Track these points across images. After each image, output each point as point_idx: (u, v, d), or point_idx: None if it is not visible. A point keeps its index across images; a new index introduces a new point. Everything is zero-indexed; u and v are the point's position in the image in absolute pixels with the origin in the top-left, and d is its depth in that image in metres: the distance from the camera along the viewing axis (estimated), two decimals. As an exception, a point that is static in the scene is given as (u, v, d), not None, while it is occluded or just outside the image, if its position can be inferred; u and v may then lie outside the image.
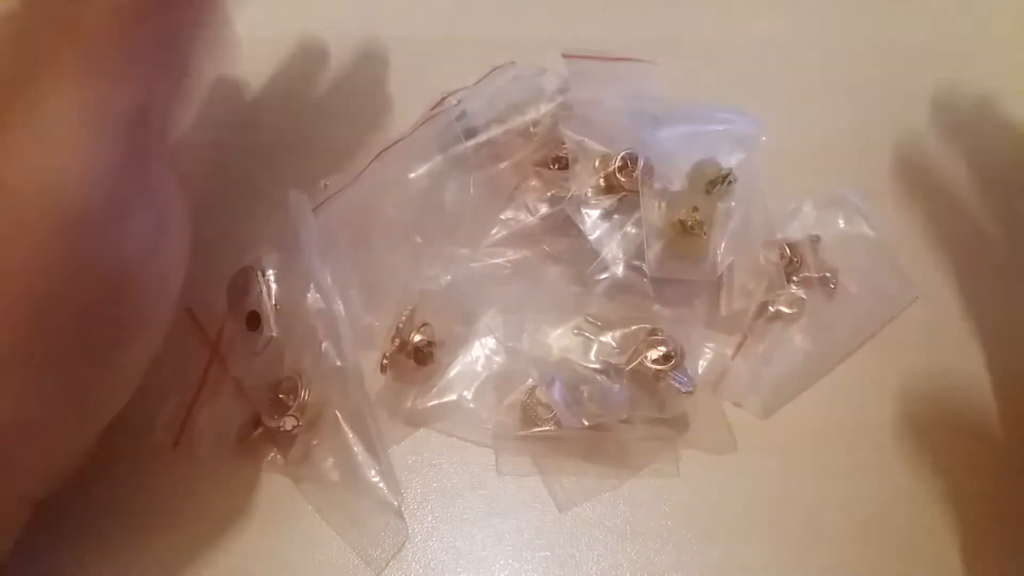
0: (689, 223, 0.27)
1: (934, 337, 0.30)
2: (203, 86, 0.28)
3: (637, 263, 0.28)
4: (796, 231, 0.31)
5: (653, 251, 0.28)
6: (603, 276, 0.28)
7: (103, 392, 0.22)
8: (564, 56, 0.30)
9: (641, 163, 0.28)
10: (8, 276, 0.18)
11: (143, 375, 0.23)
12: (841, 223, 0.31)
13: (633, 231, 0.28)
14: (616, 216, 0.28)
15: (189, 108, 0.25)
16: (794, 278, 0.29)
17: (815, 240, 0.30)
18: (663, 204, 0.28)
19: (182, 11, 0.22)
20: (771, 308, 0.29)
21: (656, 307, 0.28)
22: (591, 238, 0.28)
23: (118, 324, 0.21)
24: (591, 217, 0.28)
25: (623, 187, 0.28)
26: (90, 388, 0.21)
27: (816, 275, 0.30)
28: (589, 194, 0.28)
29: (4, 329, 0.18)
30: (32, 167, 0.18)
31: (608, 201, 0.28)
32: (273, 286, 0.29)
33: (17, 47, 0.20)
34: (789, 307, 0.29)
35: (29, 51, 0.19)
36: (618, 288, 0.28)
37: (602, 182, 0.28)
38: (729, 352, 0.29)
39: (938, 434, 0.28)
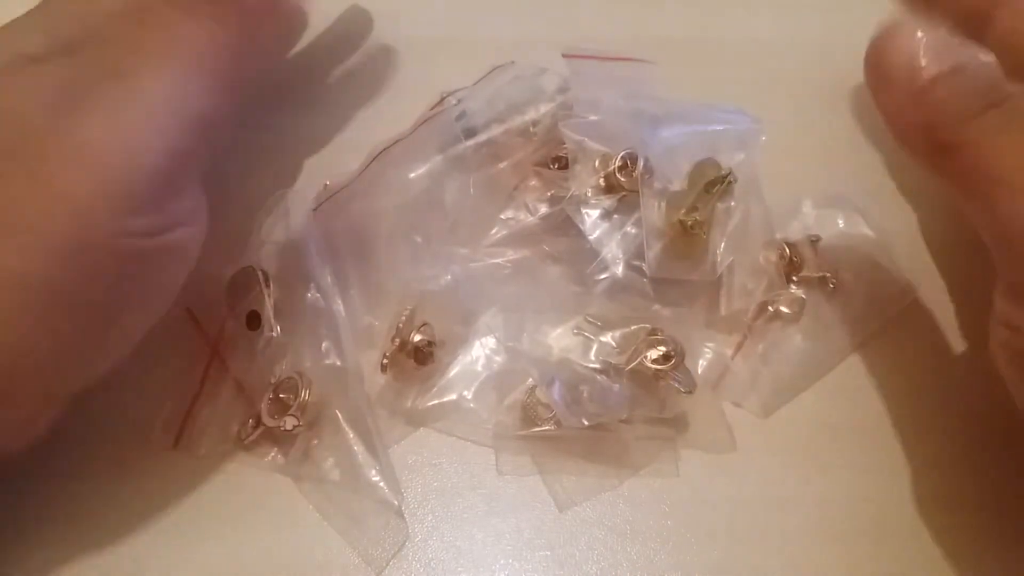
0: (689, 223, 0.27)
1: (933, 337, 0.30)
2: None
3: (637, 263, 0.28)
4: (795, 231, 0.31)
5: (653, 251, 0.28)
6: (603, 276, 0.28)
7: (93, 356, 0.24)
8: (564, 56, 0.30)
9: (641, 163, 0.28)
10: (78, 215, 0.21)
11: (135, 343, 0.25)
12: (840, 223, 0.31)
13: (633, 231, 0.28)
14: (616, 216, 0.28)
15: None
16: (793, 278, 0.29)
17: (815, 240, 0.30)
18: (663, 204, 0.28)
19: None
20: (771, 308, 0.29)
21: (656, 307, 0.28)
22: (591, 238, 0.28)
23: (130, 290, 0.23)
24: (591, 217, 0.28)
25: (623, 187, 0.28)
26: (84, 346, 0.23)
27: (816, 275, 0.30)
28: (589, 194, 0.28)
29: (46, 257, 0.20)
30: (121, 133, 0.22)
31: (608, 201, 0.28)
32: (273, 286, 0.29)
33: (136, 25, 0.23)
34: (789, 307, 0.29)
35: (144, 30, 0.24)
36: (618, 288, 0.28)
37: (602, 182, 0.28)
38: (729, 352, 0.29)
39: (938, 434, 0.28)
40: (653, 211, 0.28)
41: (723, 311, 0.29)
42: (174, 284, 0.25)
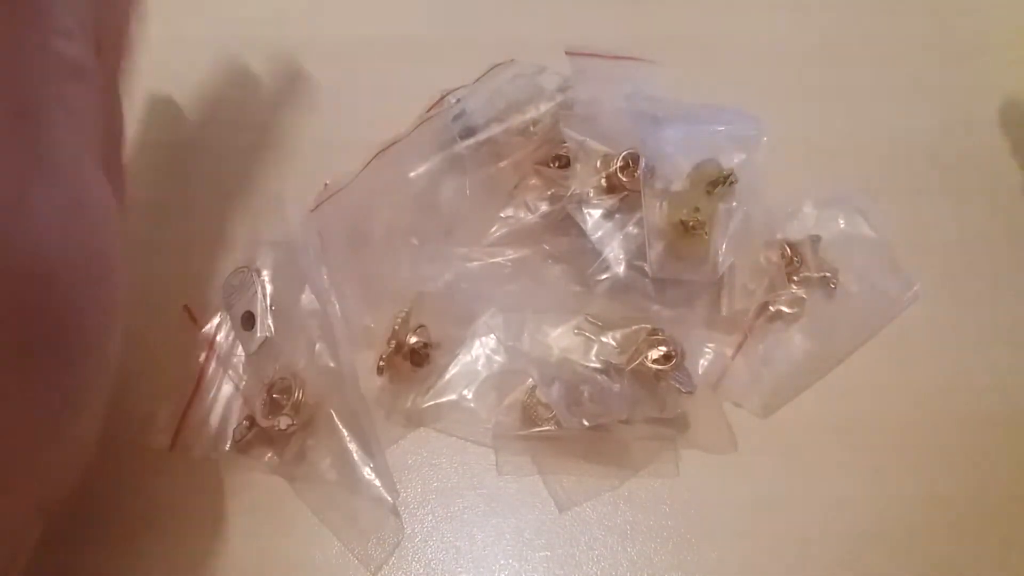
0: (691, 223, 0.27)
1: (934, 336, 0.30)
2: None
3: (639, 263, 0.28)
4: (796, 231, 0.31)
5: (655, 251, 0.28)
6: (605, 276, 0.28)
7: (66, 391, 0.19)
8: (567, 53, 0.29)
9: (643, 163, 0.28)
10: None
11: (114, 363, 0.21)
12: (841, 223, 0.31)
13: (635, 231, 0.28)
14: (618, 216, 0.28)
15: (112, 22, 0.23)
16: (794, 278, 0.29)
17: (815, 240, 0.30)
18: (664, 204, 0.28)
19: None
20: (771, 308, 0.29)
21: (656, 307, 0.28)
22: (593, 238, 0.28)
23: (51, 313, 0.18)
24: (593, 217, 0.28)
25: (625, 187, 0.28)
26: (46, 391, 0.19)
27: (816, 275, 0.30)
28: (591, 194, 0.28)
29: None
30: None
31: (610, 201, 0.28)
32: (268, 286, 0.29)
33: None
34: (789, 307, 0.29)
35: None
36: (620, 288, 0.28)
37: (603, 182, 0.28)
38: (729, 352, 0.29)
39: (938, 433, 0.28)
40: (655, 211, 0.28)
41: (725, 311, 0.28)
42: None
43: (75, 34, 0.21)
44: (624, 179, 0.28)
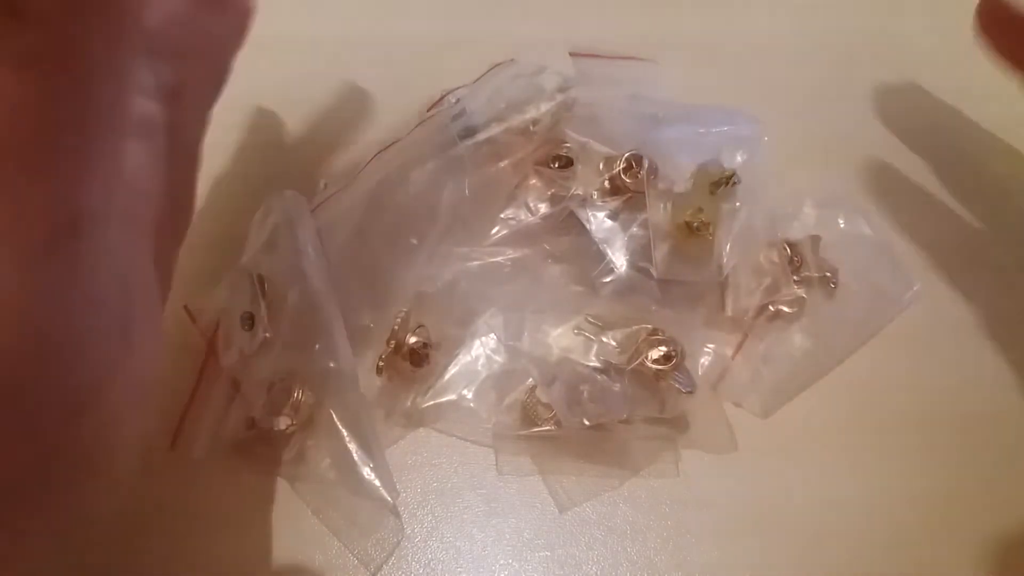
0: (695, 224, 0.27)
1: (934, 336, 0.30)
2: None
3: (644, 265, 0.28)
4: (797, 231, 0.31)
5: (660, 253, 0.28)
6: (610, 278, 0.28)
7: (33, 525, 0.17)
8: (571, 54, 0.30)
9: (646, 164, 0.28)
10: None
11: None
12: (841, 223, 0.31)
13: (639, 232, 0.28)
14: (622, 218, 0.28)
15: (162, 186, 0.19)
16: (794, 278, 0.29)
17: (816, 240, 0.30)
18: (668, 206, 0.28)
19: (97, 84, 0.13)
20: (771, 308, 0.29)
21: (656, 307, 0.28)
22: (598, 240, 0.28)
23: (68, 468, 0.17)
24: (597, 219, 0.28)
25: (628, 188, 0.28)
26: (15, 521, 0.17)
27: (816, 275, 0.30)
28: (595, 196, 0.28)
29: None
30: None
31: (614, 203, 0.28)
32: (268, 286, 0.29)
33: None
34: (789, 307, 0.29)
35: None
36: (625, 290, 0.28)
37: (607, 184, 0.28)
38: (729, 352, 0.29)
39: (938, 433, 0.28)
40: (659, 213, 0.28)
41: (729, 311, 0.29)
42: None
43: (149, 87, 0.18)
44: (627, 180, 0.28)
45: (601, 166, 0.29)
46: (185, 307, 0.29)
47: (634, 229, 0.28)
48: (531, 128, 0.30)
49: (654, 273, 0.28)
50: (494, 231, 0.30)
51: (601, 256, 0.28)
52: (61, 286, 0.15)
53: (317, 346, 0.28)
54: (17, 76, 0.12)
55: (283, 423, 0.26)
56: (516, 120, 0.30)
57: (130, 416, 0.18)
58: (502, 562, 0.25)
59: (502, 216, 0.30)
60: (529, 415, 0.27)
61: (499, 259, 0.29)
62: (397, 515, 0.26)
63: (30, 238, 0.13)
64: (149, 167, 0.18)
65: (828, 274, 0.30)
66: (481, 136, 0.30)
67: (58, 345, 0.15)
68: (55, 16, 0.12)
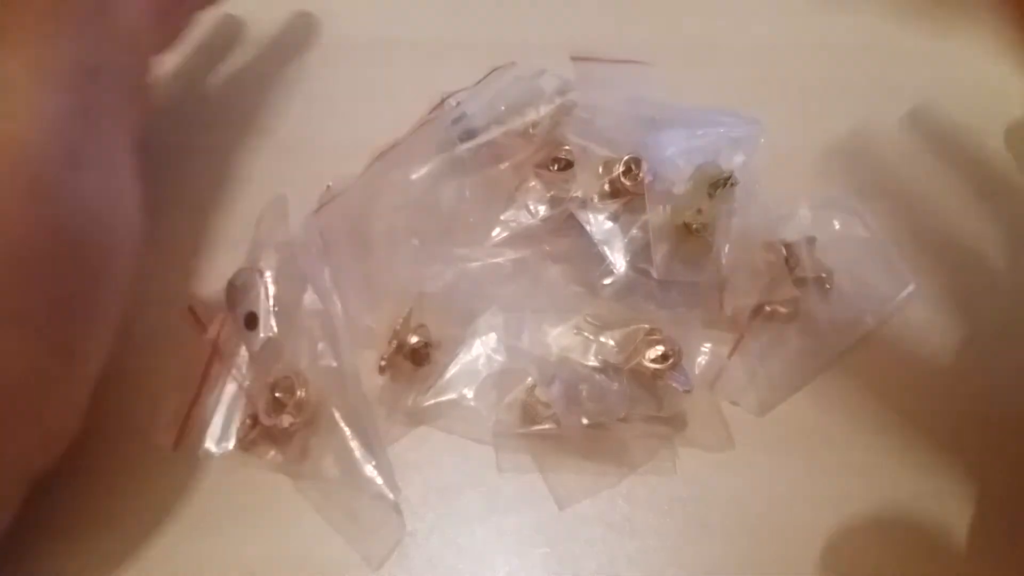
0: (694, 226, 0.28)
1: (929, 336, 0.30)
2: (166, 52, 0.30)
3: (643, 266, 0.28)
4: (792, 232, 0.31)
5: (660, 254, 0.28)
6: (610, 280, 0.28)
7: (79, 341, 0.22)
8: (573, 59, 0.30)
9: (645, 167, 0.28)
10: None
11: (115, 331, 0.24)
12: (837, 224, 0.32)
13: (639, 235, 0.28)
14: (621, 220, 0.29)
15: (151, 70, 0.27)
16: (790, 278, 0.30)
17: (811, 241, 0.30)
18: (667, 207, 0.28)
19: None
20: (767, 308, 0.29)
21: (654, 307, 0.29)
22: (598, 242, 0.28)
23: (84, 275, 0.22)
24: (597, 220, 0.29)
25: (628, 191, 0.28)
26: (72, 342, 0.22)
27: (812, 275, 0.30)
28: (595, 199, 0.29)
29: None
30: None
31: (614, 205, 0.29)
32: (271, 286, 0.29)
33: None
34: (785, 307, 0.29)
35: None
36: (625, 291, 0.28)
37: (606, 186, 0.29)
38: (726, 351, 0.29)
39: (934, 432, 0.28)
40: (658, 215, 0.28)
41: (727, 312, 0.29)
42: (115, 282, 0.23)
43: (133, 62, 0.25)
44: (627, 183, 0.28)
45: (601, 169, 0.29)
46: (189, 307, 0.29)
47: (634, 231, 0.28)
48: (531, 131, 0.31)
49: (654, 274, 0.28)
50: (495, 233, 0.30)
51: (600, 257, 0.29)
52: (86, 119, 0.21)
53: (319, 345, 0.28)
54: None
55: (286, 421, 0.26)
56: (516, 123, 0.30)
57: (119, 249, 0.23)
58: (502, 558, 0.25)
59: (502, 218, 0.30)
60: (529, 414, 0.27)
61: (499, 260, 0.30)
62: (399, 512, 0.26)
63: (66, 69, 0.21)
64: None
65: (823, 275, 0.30)
66: (481, 139, 0.30)
67: (70, 164, 0.21)
68: None
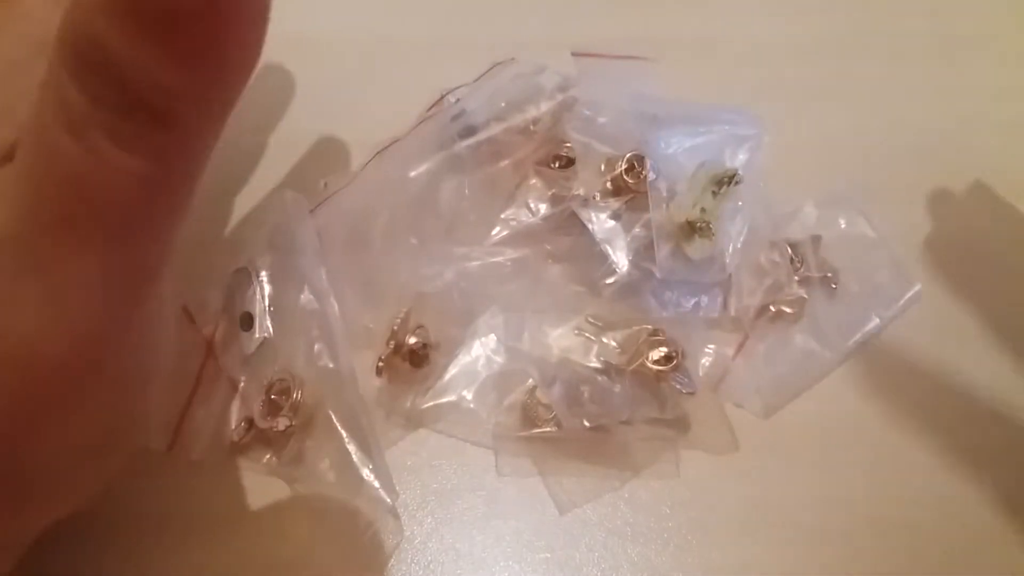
0: (698, 224, 0.27)
1: (935, 337, 0.30)
2: None
3: (646, 265, 0.28)
4: (797, 231, 0.31)
5: (663, 253, 0.28)
6: (613, 279, 0.28)
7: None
8: (573, 55, 0.29)
9: (648, 165, 0.28)
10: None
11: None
12: (842, 223, 0.31)
13: (641, 233, 0.28)
14: (623, 218, 0.28)
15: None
16: (795, 278, 0.29)
17: (816, 240, 0.30)
18: (670, 205, 0.28)
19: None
20: (772, 308, 0.29)
21: (657, 307, 0.28)
22: (600, 241, 0.28)
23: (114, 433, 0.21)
24: (599, 219, 0.28)
25: (630, 189, 0.28)
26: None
27: (817, 275, 0.30)
28: (597, 197, 0.28)
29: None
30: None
31: (616, 204, 0.28)
32: (267, 287, 0.29)
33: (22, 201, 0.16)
34: (790, 307, 0.29)
35: (35, 209, 0.16)
36: (628, 291, 0.28)
37: (609, 184, 0.28)
38: (730, 352, 0.29)
39: (939, 434, 0.28)
40: (661, 213, 0.28)
41: (732, 312, 0.28)
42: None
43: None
44: (629, 181, 0.28)
45: (603, 167, 0.29)
46: (184, 307, 0.29)
47: (636, 230, 0.28)
48: (531, 128, 0.30)
49: (657, 273, 0.28)
50: (495, 231, 0.30)
51: (602, 257, 0.28)
52: (146, 316, 0.20)
53: (316, 347, 0.28)
54: (149, 164, 0.15)
55: (282, 424, 0.26)
56: (516, 120, 0.30)
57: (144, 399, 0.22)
58: (502, 564, 0.25)
59: (502, 216, 0.30)
60: (529, 416, 0.27)
61: (499, 259, 0.29)
62: (396, 516, 0.26)
63: (135, 280, 0.18)
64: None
65: (829, 274, 0.30)
66: (481, 136, 0.30)
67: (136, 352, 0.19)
68: (192, 124, 0.16)
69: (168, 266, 0.20)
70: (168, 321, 0.23)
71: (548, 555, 0.25)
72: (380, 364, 0.27)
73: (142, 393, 0.21)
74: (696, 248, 0.28)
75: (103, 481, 0.22)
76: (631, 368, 0.26)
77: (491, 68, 0.32)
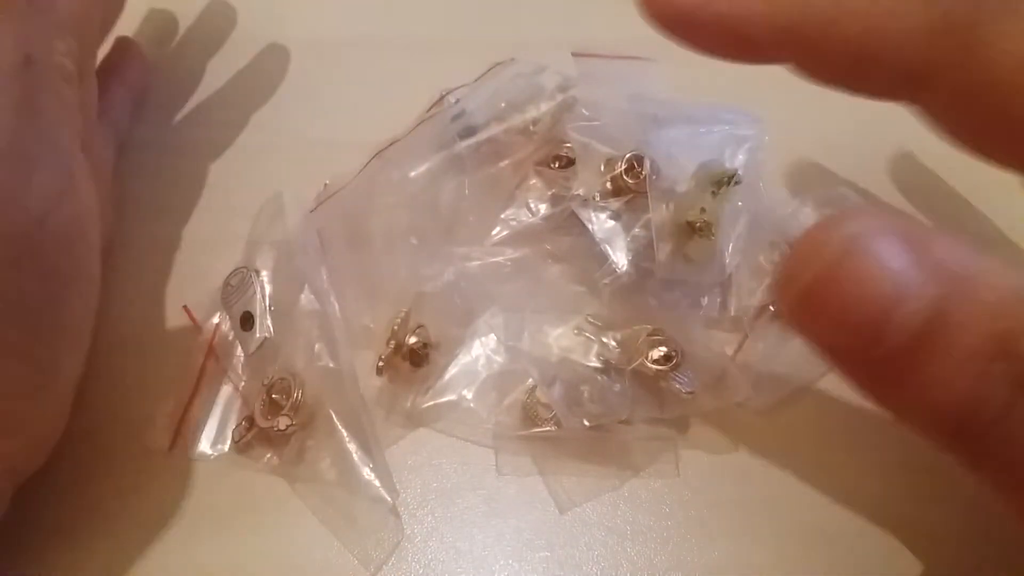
0: (698, 224, 0.27)
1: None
2: (101, 27, 0.29)
3: (646, 266, 0.28)
4: (797, 230, 0.30)
5: (663, 253, 0.28)
6: (612, 279, 0.28)
7: (52, 348, 0.22)
8: (574, 55, 0.29)
9: (647, 165, 0.28)
10: None
11: (90, 331, 0.24)
12: (842, 223, 0.31)
13: (641, 233, 0.28)
14: (623, 218, 0.28)
15: (90, 51, 0.27)
16: (795, 278, 0.29)
17: (816, 240, 0.30)
18: (670, 206, 0.28)
19: None
20: (771, 308, 0.29)
21: (657, 307, 0.28)
22: (600, 241, 0.28)
23: (47, 282, 0.21)
24: (599, 219, 0.28)
25: (630, 189, 0.28)
26: (44, 350, 0.22)
27: (816, 275, 0.29)
28: (597, 197, 0.28)
29: None
30: None
31: (616, 204, 0.28)
32: (267, 286, 0.29)
33: None
34: (790, 307, 0.29)
35: None
36: (628, 291, 0.28)
37: (608, 184, 0.28)
38: (729, 352, 0.29)
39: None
40: (661, 213, 0.28)
41: (732, 311, 0.28)
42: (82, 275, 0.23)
43: (70, 48, 0.24)
44: (629, 181, 0.28)
45: (603, 167, 0.29)
46: (184, 307, 0.29)
47: (636, 230, 0.28)
48: (531, 128, 0.30)
49: (657, 273, 0.28)
50: (495, 231, 0.30)
51: (602, 256, 0.28)
52: (27, 113, 0.21)
53: (316, 346, 0.28)
54: None
55: (282, 423, 0.26)
56: (516, 120, 0.30)
57: (79, 245, 0.23)
58: (502, 562, 0.25)
59: (503, 216, 0.30)
60: (529, 415, 0.27)
61: (499, 259, 0.29)
62: (397, 515, 0.26)
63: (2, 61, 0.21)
64: (72, 90, 0.25)
65: (828, 274, 0.30)
66: (481, 136, 0.30)
67: (23, 155, 0.21)
68: None
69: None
70: (104, 174, 0.26)
71: (548, 554, 0.25)
72: (380, 364, 0.27)
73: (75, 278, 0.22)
74: (696, 248, 0.28)
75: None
76: (631, 368, 0.26)
77: (491, 68, 0.32)
